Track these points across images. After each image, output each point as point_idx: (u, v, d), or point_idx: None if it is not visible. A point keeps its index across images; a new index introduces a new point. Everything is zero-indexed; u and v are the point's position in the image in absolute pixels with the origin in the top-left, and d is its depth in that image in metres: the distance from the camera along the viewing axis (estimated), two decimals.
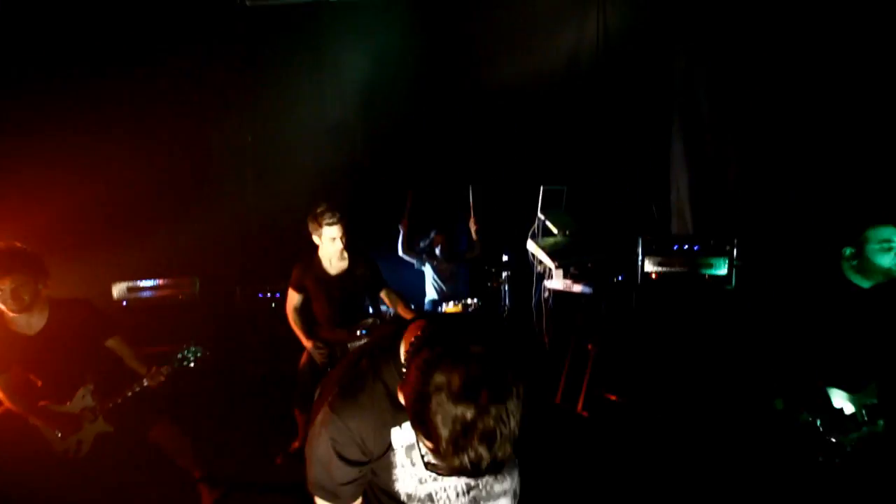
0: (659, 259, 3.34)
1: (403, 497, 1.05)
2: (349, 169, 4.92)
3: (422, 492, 1.05)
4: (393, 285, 3.03)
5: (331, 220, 2.58)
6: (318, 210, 2.62)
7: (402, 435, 1.01)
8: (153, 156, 3.99)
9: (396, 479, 1.03)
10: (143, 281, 3.87)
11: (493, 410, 0.70)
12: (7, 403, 2.09)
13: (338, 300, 2.77)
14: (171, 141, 4.15)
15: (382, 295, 2.98)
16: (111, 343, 2.28)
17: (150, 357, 2.38)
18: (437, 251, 4.62)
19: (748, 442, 2.28)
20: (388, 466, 1.02)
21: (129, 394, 2.20)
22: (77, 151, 3.69)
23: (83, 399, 2.16)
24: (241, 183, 4.73)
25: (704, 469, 2.48)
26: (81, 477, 2.15)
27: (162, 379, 2.26)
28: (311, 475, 0.99)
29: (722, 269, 3.05)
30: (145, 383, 2.23)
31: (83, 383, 2.18)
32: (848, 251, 1.98)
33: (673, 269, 3.29)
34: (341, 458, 0.94)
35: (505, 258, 4.56)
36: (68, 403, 2.14)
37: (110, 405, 2.19)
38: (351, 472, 0.96)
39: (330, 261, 2.76)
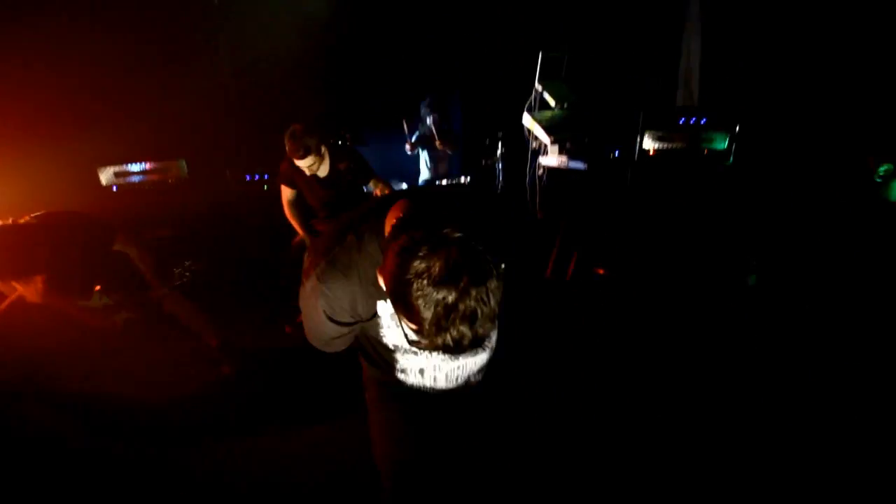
0: (659, 133, 3.22)
1: (391, 346, 1.15)
2: (327, 34, 4.48)
3: (408, 344, 1.12)
4: (386, 167, 2.94)
5: (299, 156, 2.51)
6: (287, 143, 2.51)
7: (387, 307, 1.06)
8: (122, 36, 3.69)
9: (384, 335, 1.13)
10: (130, 165, 3.78)
11: (473, 292, 0.72)
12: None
13: (328, 196, 2.78)
14: (140, 20, 3.78)
15: (371, 185, 2.97)
16: (118, 246, 2.35)
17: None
18: (430, 121, 4.42)
19: (727, 314, 2.43)
20: (376, 325, 1.11)
21: (138, 294, 2.40)
22: (45, 36, 3.41)
23: (100, 299, 2.37)
24: (214, 57, 4.34)
25: (685, 342, 2.67)
26: (119, 350, 2.50)
27: (166, 291, 2.46)
28: (306, 329, 1.11)
29: (723, 145, 2.97)
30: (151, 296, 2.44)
31: (96, 286, 2.35)
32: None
33: (672, 145, 3.19)
34: (332, 320, 1.03)
35: (500, 134, 4.41)
36: (89, 302, 2.35)
37: (125, 301, 2.40)
38: (341, 330, 1.07)
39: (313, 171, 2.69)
